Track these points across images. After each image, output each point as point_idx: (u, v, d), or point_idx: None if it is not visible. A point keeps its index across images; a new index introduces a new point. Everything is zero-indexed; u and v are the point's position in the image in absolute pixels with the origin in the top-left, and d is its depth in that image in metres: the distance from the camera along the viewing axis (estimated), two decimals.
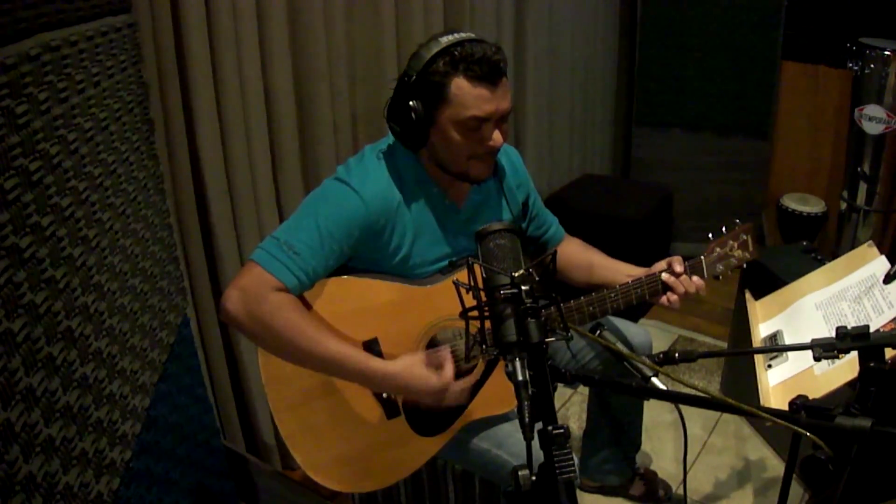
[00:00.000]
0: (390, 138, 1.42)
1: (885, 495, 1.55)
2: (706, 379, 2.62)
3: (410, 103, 1.30)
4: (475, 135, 1.32)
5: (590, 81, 3.31)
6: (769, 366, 1.49)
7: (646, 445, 2.15)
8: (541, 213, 1.69)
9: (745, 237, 1.58)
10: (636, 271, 1.56)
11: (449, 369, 1.32)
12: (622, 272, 1.58)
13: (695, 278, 1.50)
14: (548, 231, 1.71)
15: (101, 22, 1.18)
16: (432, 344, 1.42)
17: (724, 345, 2.72)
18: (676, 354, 1.15)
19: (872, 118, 2.74)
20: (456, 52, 1.27)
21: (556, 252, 0.97)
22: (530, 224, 1.67)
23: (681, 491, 2.05)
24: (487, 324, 0.88)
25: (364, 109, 2.15)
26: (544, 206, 1.72)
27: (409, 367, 1.31)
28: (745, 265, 1.58)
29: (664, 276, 1.48)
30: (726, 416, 2.36)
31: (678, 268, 1.49)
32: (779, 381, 1.43)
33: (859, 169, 2.88)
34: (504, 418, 1.50)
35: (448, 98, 1.29)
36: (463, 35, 1.30)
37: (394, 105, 1.35)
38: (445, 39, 1.29)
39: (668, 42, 3.23)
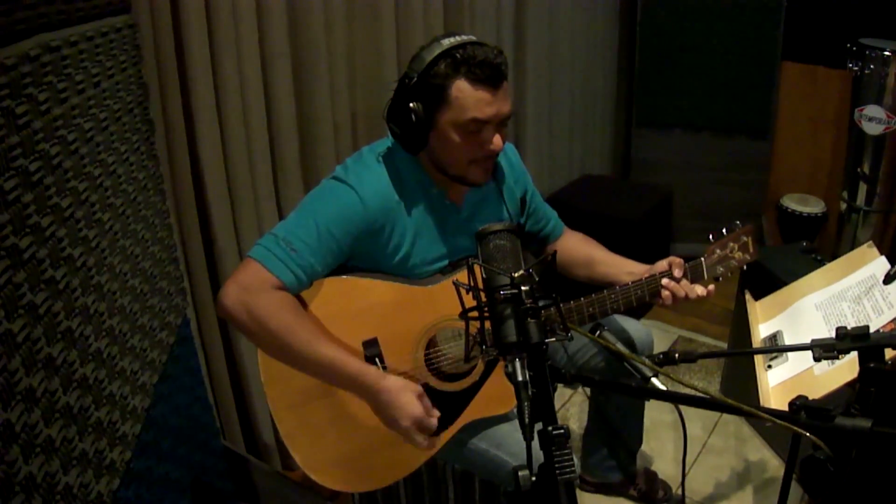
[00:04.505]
0: (389, 140, 1.42)
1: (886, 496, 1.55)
2: (706, 379, 2.62)
3: (411, 105, 1.30)
4: (475, 138, 1.32)
5: (590, 81, 3.30)
6: (769, 366, 1.49)
7: (646, 445, 2.15)
8: (539, 208, 1.69)
9: (745, 238, 1.58)
10: (637, 268, 1.56)
11: (434, 421, 1.29)
12: (623, 268, 1.58)
13: (697, 286, 1.50)
14: (547, 226, 1.71)
15: (101, 22, 1.18)
16: (432, 344, 1.42)
17: (724, 345, 2.72)
18: (676, 355, 1.15)
19: (872, 118, 2.74)
20: (458, 55, 1.27)
21: (556, 252, 0.97)
22: (529, 219, 1.67)
23: (680, 491, 2.05)
24: (487, 324, 0.88)
25: (364, 110, 2.15)
26: (543, 201, 1.72)
27: (402, 389, 1.28)
28: (745, 266, 1.58)
29: (664, 281, 1.48)
30: (726, 416, 2.36)
31: (677, 272, 1.49)
32: (779, 382, 1.43)
33: (859, 169, 2.88)
34: (504, 418, 1.50)
35: (449, 100, 1.29)
36: (465, 37, 1.29)
37: (394, 107, 1.34)
38: (447, 41, 1.28)
39: (668, 42, 3.23)
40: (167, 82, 1.61)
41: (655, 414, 2.34)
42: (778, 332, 1.55)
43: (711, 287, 1.52)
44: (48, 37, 0.98)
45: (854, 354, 1.02)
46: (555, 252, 0.97)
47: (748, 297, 1.76)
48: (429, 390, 1.37)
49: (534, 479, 0.81)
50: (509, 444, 1.45)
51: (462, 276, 1.03)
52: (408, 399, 1.28)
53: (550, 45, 2.94)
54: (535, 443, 0.80)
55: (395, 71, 2.13)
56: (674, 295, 1.48)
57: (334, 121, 2.05)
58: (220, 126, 1.75)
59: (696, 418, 2.38)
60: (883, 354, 0.99)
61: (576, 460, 0.80)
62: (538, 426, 0.81)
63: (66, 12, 1.04)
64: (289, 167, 1.96)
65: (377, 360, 1.36)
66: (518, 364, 0.82)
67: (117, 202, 1.21)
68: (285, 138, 1.92)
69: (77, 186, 1.05)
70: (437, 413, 1.31)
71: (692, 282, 1.52)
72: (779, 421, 0.94)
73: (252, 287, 1.27)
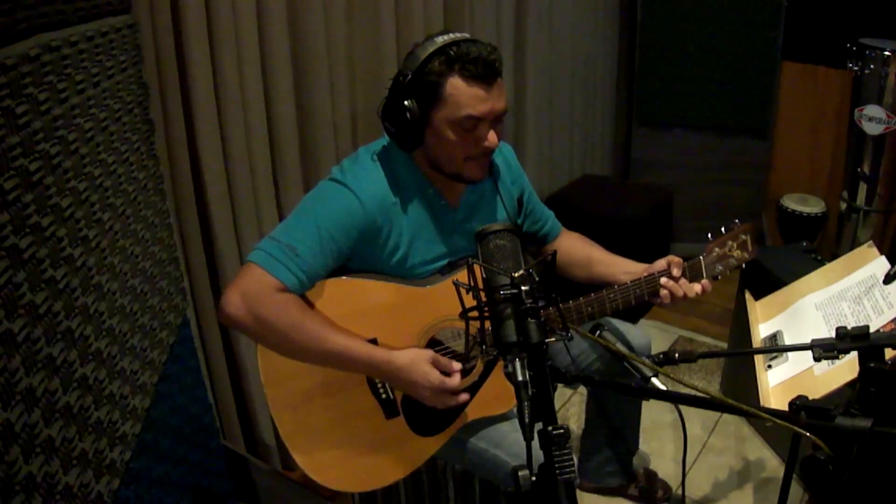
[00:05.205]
0: (385, 139, 1.42)
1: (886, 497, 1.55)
2: (706, 379, 2.62)
3: (405, 103, 1.30)
4: (470, 135, 1.32)
5: (590, 82, 3.30)
6: (769, 366, 1.49)
7: (646, 445, 2.15)
8: (536, 208, 1.69)
9: (744, 237, 1.57)
10: (635, 267, 1.56)
11: (456, 377, 1.33)
12: (622, 268, 1.58)
13: (695, 285, 1.50)
14: (544, 226, 1.71)
15: (101, 22, 1.18)
16: (432, 344, 1.42)
17: (724, 345, 2.72)
18: (676, 355, 1.15)
19: (872, 118, 2.73)
20: (451, 52, 1.27)
21: (556, 252, 0.97)
22: (526, 220, 1.67)
23: (680, 491, 2.05)
24: (487, 324, 0.88)
25: (364, 109, 2.15)
26: (540, 201, 1.72)
27: (416, 362, 1.32)
28: (744, 265, 1.58)
29: (662, 280, 1.48)
30: (726, 416, 2.36)
31: (675, 271, 1.49)
32: (779, 382, 1.43)
33: (859, 169, 2.88)
34: (503, 418, 1.50)
35: (443, 97, 1.29)
36: (458, 35, 1.30)
37: (389, 105, 1.34)
38: (441, 39, 1.29)
39: (668, 42, 3.23)
40: (167, 82, 1.61)
41: (655, 414, 2.34)
42: (778, 332, 1.55)
43: (706, 282, 1.52)
44: (48, 37, 0.98)
45: (854, 354, 1.02)
46: (555, 252, 0.97)
47: (748, 297, 1.76)
48: None
49: (534, 479, 0.81)
50: (509, 444, 1.45)
51: (462, 276, 1.03)
52: (422, 372, 1.31)
53: (550, 45, 2.94)
54: (535, 443, 0.80)
55: (395, 70, 2.13)
56: (672, 294, 1.48)
57: (334, 121, 2.05)
58: (220, 126, 1.75)
59: (696, 418, 2.38)
60: (883, 354, 0.99)
61: (575, 460, 0.80)
62: (538, 426, 0.81)
63: (65, 12, 1.04)
64: (289, 167, 1.96)
65: None
66: (518, 364, 0.82)
67: (117, 202, 1.21)
68: (285, 138, 1.92)
69: (77, 186, 1.05)
70: (456, 367, 1.34)
71: (691, 280, 1.51)
72: (779, 421, 0.94)
73: (255, 292, 1.27)
